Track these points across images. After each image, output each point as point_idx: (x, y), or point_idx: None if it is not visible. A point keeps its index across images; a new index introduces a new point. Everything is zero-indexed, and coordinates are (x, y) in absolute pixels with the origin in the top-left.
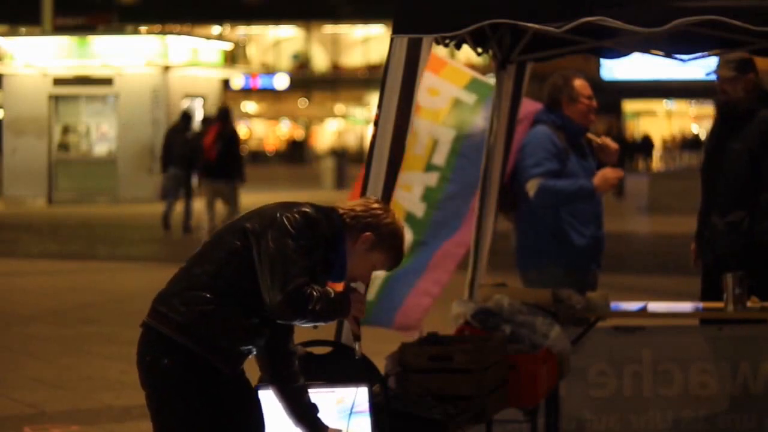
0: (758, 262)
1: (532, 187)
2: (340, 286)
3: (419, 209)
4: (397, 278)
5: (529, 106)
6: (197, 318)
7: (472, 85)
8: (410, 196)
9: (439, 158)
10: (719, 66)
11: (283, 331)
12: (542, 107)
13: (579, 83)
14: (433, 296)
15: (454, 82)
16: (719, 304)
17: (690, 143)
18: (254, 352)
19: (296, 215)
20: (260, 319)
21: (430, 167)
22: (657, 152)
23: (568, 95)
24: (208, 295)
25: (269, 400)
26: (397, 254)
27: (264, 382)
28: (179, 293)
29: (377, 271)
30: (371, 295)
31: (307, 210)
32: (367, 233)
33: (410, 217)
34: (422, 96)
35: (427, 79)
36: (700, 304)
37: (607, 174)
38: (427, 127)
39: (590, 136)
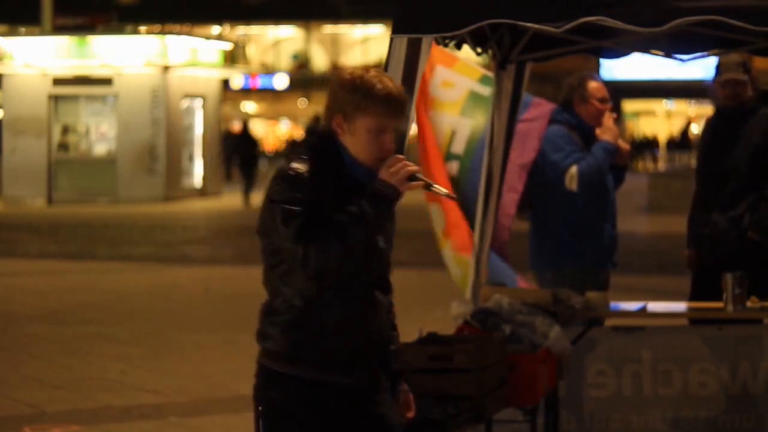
0: (756, 262)
1: (571, 177)
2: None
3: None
4: None
5: (544, 106)
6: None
7: (485, 80)
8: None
9: (458, 147)
10: (729, 69)
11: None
12: (557, 107)
13: (593, 85)
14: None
15: (467, 75)
16: (719, 304)
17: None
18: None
19: (271, 188)
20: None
21: (450, 156)
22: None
23: (580, 95)
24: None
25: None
26: (373, 100)
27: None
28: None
29: (383, 135)
30: None
31: (278, 170)
32: (336, 117)
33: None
34: (437, 90)
35: (440, 73)
36: (700, 305)
37: (606, 123)
38: (444, 118)
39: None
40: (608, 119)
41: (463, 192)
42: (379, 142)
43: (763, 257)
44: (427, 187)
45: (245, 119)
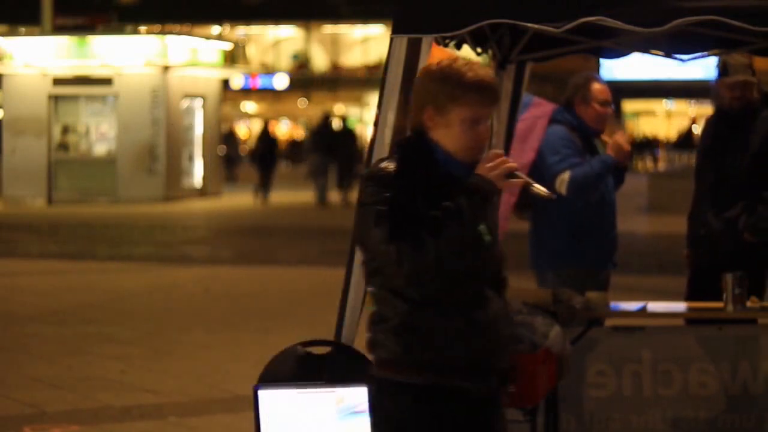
0: (750, 262)
1: (562, 182)
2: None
3: None
4: None
5: (545, 106)
6: None
7: None
8: None
9: None
10: (738, 71)
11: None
12: (559, 106)
13: (597, 87)
14: None
15: None
16: (719, 304)
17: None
18: None
19: (361, 191)
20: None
21: None
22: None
23: (582, 96)
24: None
25: (269, 400)
26: (466, 89)
27: (264, 382)
28: None
29: (478, 125)
30: None
31: (367, 171)
32: (426, 111)
33: None
34: None
35: None
36: (701, 305)
37: (618, 140)
38: None
39: (603, 136)
40: (621, 137)
41: None
42: (474, 133)
43: (758, 259)
44: (527, 185)
45: (266, 120)
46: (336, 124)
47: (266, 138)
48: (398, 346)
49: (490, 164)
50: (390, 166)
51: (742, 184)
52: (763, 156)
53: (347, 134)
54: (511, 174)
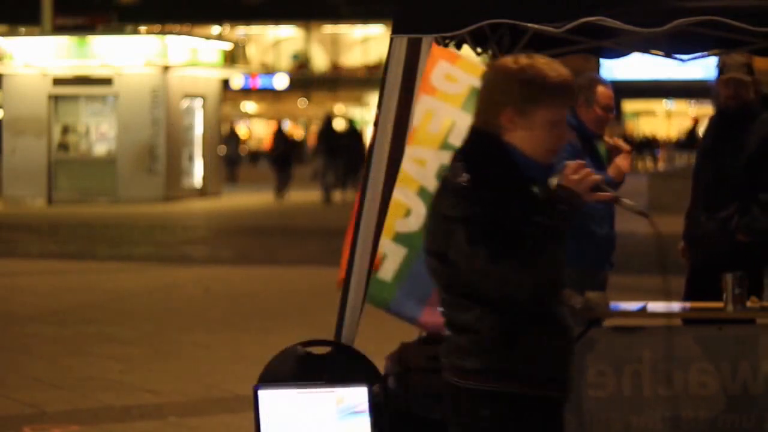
0: (746, 262)
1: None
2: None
3: (434, 186)
4: (421, 262)
5: None
6: None
7: None
8: (424, 171)
9: (456, 139)
10: (732, 69)
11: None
12: None
13: (602, 91)
14: None
15: (470, 72)
16: (719, 304)
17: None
18: None
19: (444, 203)
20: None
21: (446, 146)
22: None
23: (585, 97)
24: None
25: (269, 400)
26: (551, 90)
27: (264, 383)
28: None
29: (560, 126)
30: (388, 275)
31: (447, 182)
32: (504, 112)
33: (423, 192)
34: (439, 81)
35: (443, 67)
36: (701, 305)
37: (619, 163)
38: (445, 108)
39: (605, 137)
40: (623, 160)
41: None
42: (557, 134)
43: (754, 259)
44: (615, 200)
45: (281, 121)
46: (340, 125)
47: (283, 138)
48: (492, 357)
49: (577, 177)
50: (472, 176)
51: (738, 184)
52: (760, 157)
53: (352, 135)
54: (596, 187)
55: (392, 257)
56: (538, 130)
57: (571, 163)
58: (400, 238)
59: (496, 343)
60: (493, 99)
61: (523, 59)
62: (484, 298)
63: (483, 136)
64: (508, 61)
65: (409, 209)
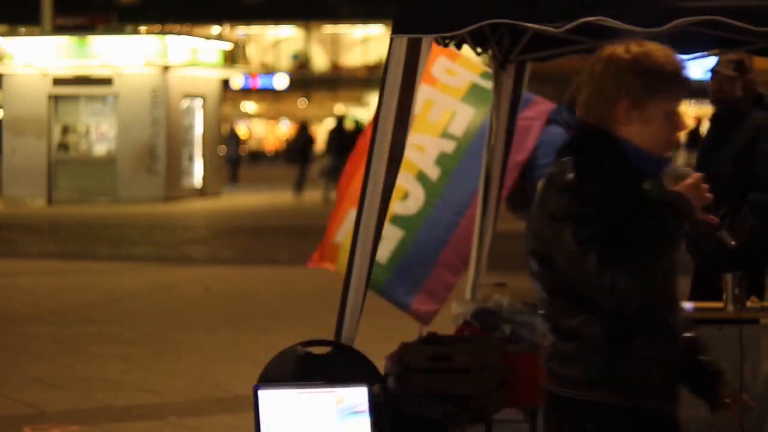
0: (743, 262)
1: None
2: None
3: (433, 172)
4: (416, 247)
5: (542, 105)
6: None
7: (487, 76)
8: (424, 157)
9: (457, 129)
10: (718, 64)
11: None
12: (556, 106)
13: None
14: (458, 273)
15: (470, 69)
16: (719, 304)
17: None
18: None
19: (551, 201)
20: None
21: (446, 135)
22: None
23: None
24: None
25: (269, 400)
26: (668, 81)
27: (264, 383)
28: None
29: (677, 115)
30: (383, 257)
31: (554, 179)
32: (619, 105)
33: (423, 177)
34: (440, 74)
35: (443, 62)
36: (700, 305)
37: None
38: (446, 99)
39: None
40: None
41: (455, 171)
42: (674, 125)
43: (751, 259)
44: (716, 227)
45: (301, 121)
46: (349, 125)
47: (303, 137)
48: (599, 367)
49: (697, 192)
50: (582, 174)
51: (731, 184)
52: (747, 157)
53: (359, 135)
54: (707, 207)
55: (388, 239)
56: (655, 123)
57: (696, 174)
58: (397, 220)
59: (603, 351)
60: (604, 92)
61: (634, 47)
62: (591, 303)
63: (593, 131)
64: (618, 50)
65: (407, 192)
